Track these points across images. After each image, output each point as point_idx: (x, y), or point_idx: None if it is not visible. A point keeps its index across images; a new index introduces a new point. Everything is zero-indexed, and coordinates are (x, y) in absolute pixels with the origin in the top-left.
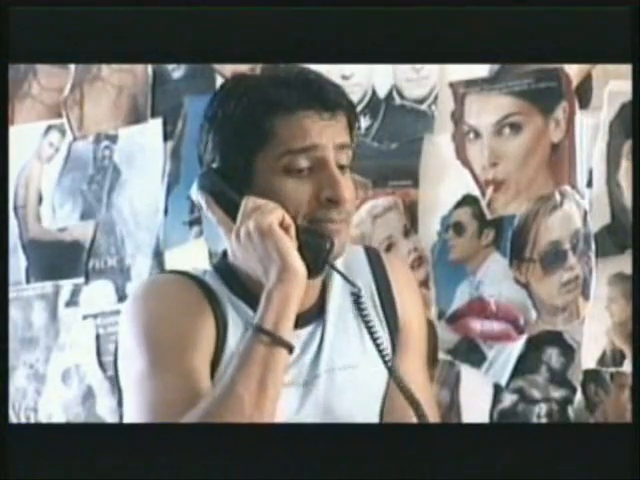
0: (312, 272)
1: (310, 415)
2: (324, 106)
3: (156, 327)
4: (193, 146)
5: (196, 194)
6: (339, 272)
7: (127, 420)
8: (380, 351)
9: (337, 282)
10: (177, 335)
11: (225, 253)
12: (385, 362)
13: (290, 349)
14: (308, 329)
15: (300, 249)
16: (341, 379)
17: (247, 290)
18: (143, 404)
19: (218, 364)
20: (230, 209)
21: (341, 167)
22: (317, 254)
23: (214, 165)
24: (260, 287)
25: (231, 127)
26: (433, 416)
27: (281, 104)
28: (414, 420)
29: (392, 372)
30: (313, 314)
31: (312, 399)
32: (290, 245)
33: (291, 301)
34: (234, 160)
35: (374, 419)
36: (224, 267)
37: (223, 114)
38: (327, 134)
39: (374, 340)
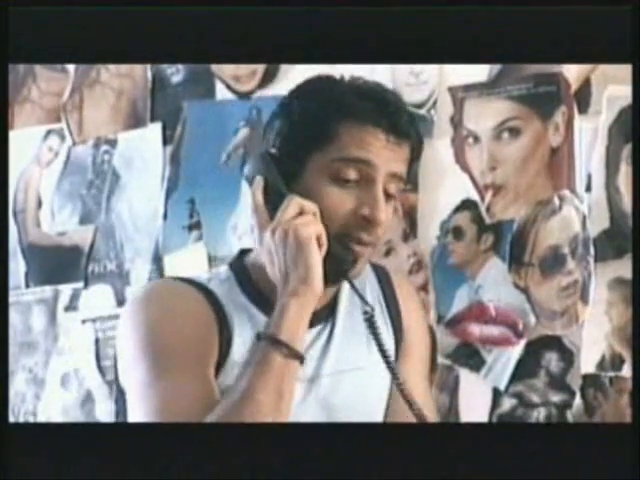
0: (328, 281)
1: (312, 410)
2: (393, 130)
3: (158, 333)
4: (192, 150)
5: (247, 174)
6: (356, 290)
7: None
8: (391, 368)
9: (347, 288)
10: (181, 341)
11: (242, 252)
12: (395, 378)
13: (302, 361)
14: (315, 329)
15: (325, 256)
16: (347, 380)
17: (260, 293)
18: (150, 411)
19: (222, 368)
20: (273, 199)
21: (388, 195)
22: (339, 266)
23: (272, 150)
24: (272, 289)
25: (299, 119)
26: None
27: (352, 113)
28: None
29: (399, 386)
30: (322, 316)
31: (314, 396)
32: (319, 263)
33: (306, 315)
34: (292, 151)
35: (377, 419)
36: (239, 267)
37: (297, 105)
38: (385, 157)
39: (385, 357)
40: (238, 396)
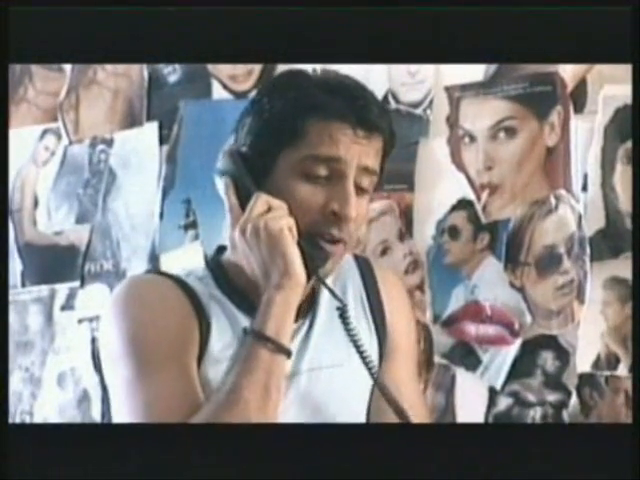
0: None
1: (292, 407)
2: (361, 124)
3: (140, 330)
4: (189, 150)
5: (218, 174)
6: (327, 286)
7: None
8: (366, 363)
9: (327, 282)
10: (163, 337)
11: (219, 250)
12: (371, 374)
13: (289, 355)
14: (295, 325)
15: None
16: (326, 377)
17: (236, 289)
18: (134, 409)
19: (201, 362)
20: (244, 198)
21: (361, 189)
22: (309, 264)
23: (243, 148)
24: (251, 286)
25: (268, 117)
26: (423, 421)
27: (319, 109)
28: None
29: (378, 383)
30: (301, 311)
31: (294, 392)
32: (296, 253)
33: (291, 308)
34: (261, 150)
35: (360, 418)
36: (216, 264)
37: (266, 102)
38: (355, 151)
39: (360, 353)
40: (224, 395)
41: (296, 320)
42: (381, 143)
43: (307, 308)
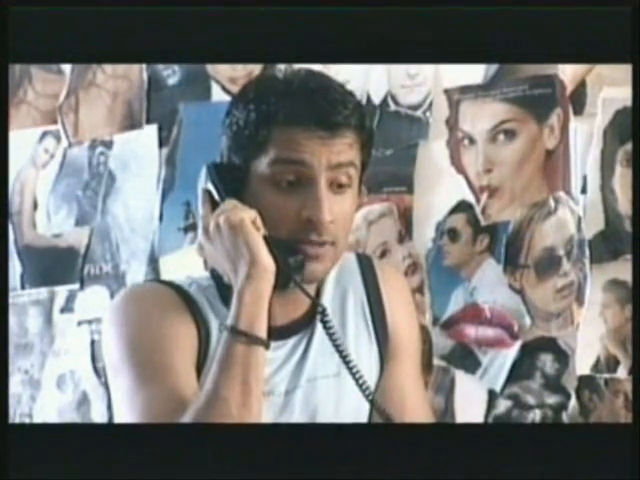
0: (279, 286)
1: (290, 419)
2: (323, 126)
3: (138, 339)
4: (188, 152)
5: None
6: (304, 290)
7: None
8: (350, 369)
9: (327, 293)
10: (159, 345)
11: None
12: (356, 381)
13: (266, 346)
14: (294, 339)
15: (275, 263)
16: (323, 388)
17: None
18: (132, 417)
19: (202, 370)
20: (216, 209)
21: (340, 186)
22: (282, 269)
23: (222, 162)
24: None
25: (237, 129)
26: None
27: (280, 116)
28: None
29: (362, 389)
30: (301, 324)
31: (292, 408)
32: (260, 241)
33: (263, 298)
34: (234, 162)
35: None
36: (220, 275)
37: (234, 114)
38: (321, 153)
39: (343, 357)
40: (204, 397)
41: (298, 333)
42: (353, 136)
43: (307, 322)
